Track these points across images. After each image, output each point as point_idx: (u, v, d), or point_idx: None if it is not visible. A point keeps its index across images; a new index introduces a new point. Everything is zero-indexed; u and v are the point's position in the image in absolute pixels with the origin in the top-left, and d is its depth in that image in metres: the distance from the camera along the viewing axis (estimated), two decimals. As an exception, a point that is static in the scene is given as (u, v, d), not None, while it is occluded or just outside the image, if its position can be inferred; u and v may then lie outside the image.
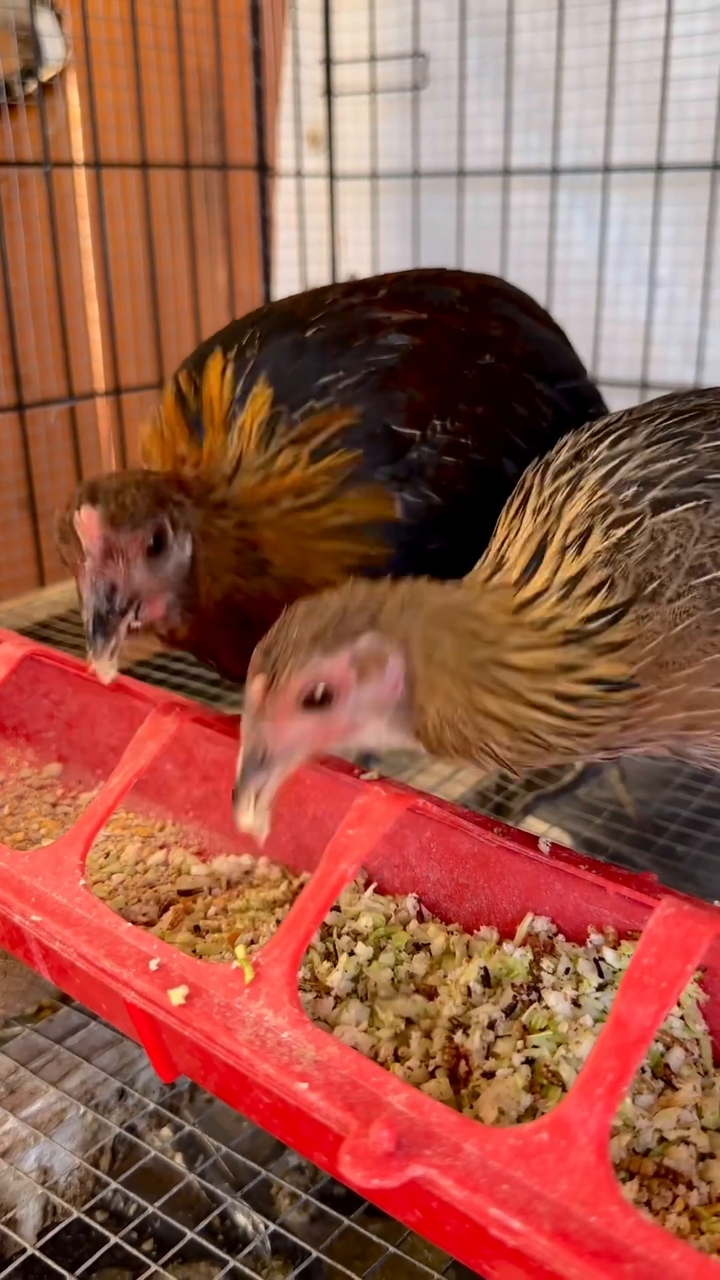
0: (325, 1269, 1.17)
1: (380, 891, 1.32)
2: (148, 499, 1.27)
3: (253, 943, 1.21)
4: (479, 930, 1.22)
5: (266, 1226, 1.20)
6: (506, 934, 1.20)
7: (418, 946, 1.21)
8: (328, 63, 3.20)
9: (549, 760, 1.13)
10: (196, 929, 1.26)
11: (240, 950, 1.04)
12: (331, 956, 1.19)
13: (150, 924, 1.29)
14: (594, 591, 1.05)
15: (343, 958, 1.18)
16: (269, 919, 1.27)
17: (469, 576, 1.16)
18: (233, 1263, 1.11)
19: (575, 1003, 1.08)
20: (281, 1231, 1.17)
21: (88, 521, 1.25)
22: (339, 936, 1.22)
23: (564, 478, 1.13)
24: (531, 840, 1.16)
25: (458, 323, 1.56)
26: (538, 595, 1.08)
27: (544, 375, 1.58)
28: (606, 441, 1.15)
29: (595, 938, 1.14)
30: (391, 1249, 1.09)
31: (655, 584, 1.03)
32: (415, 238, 3.17)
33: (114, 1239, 1.14)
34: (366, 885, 1.33)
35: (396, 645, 1.06)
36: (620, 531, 1.05)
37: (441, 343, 1.49)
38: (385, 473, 1.38)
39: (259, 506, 1.38)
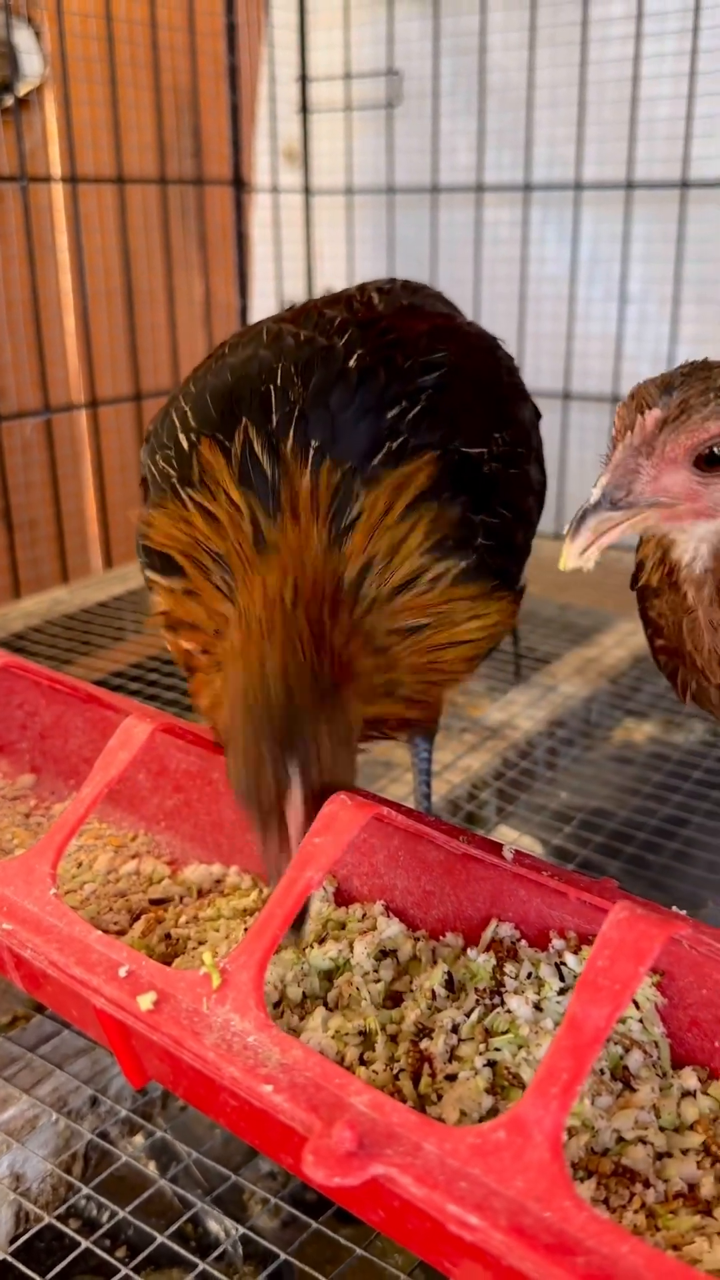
0: (296, 1273, 1.19)
1: (350, 900, 1.34)
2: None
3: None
4: (445, 936, 1.24)
5: (239, 1232, 1.21)
6: (472, 940, 1.22)
7: (384, 954, 1.23)
8: (303, 80, 3.24)
9: None
10: (168, 937, 1.28)
11: (207, 956, 1.05)
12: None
13: (121, 933, 1.31)
14: None
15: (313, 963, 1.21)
16: (239, 927, 1.28)
17: None
18: (202, 1265, 1.13)
19: (537, 1006, 1.10)
20: (253, 1237, 1.19)
21: None
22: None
23: None
24: (496, 848, 1.19)
25: (464, 327, 1.51)
26: None
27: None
28: None
29: (557, 943, 1.16)
30: (360, 1251, 1.11)
31: None
32: (390, 253, 3.20)
33: (84, 1243, 1.16)
34: (336, 893, 1.35)
35: None
36: None
37: (468, 351, 1.38)
38: (465, 502, 1.23)
39: (393, 634, 1.20)
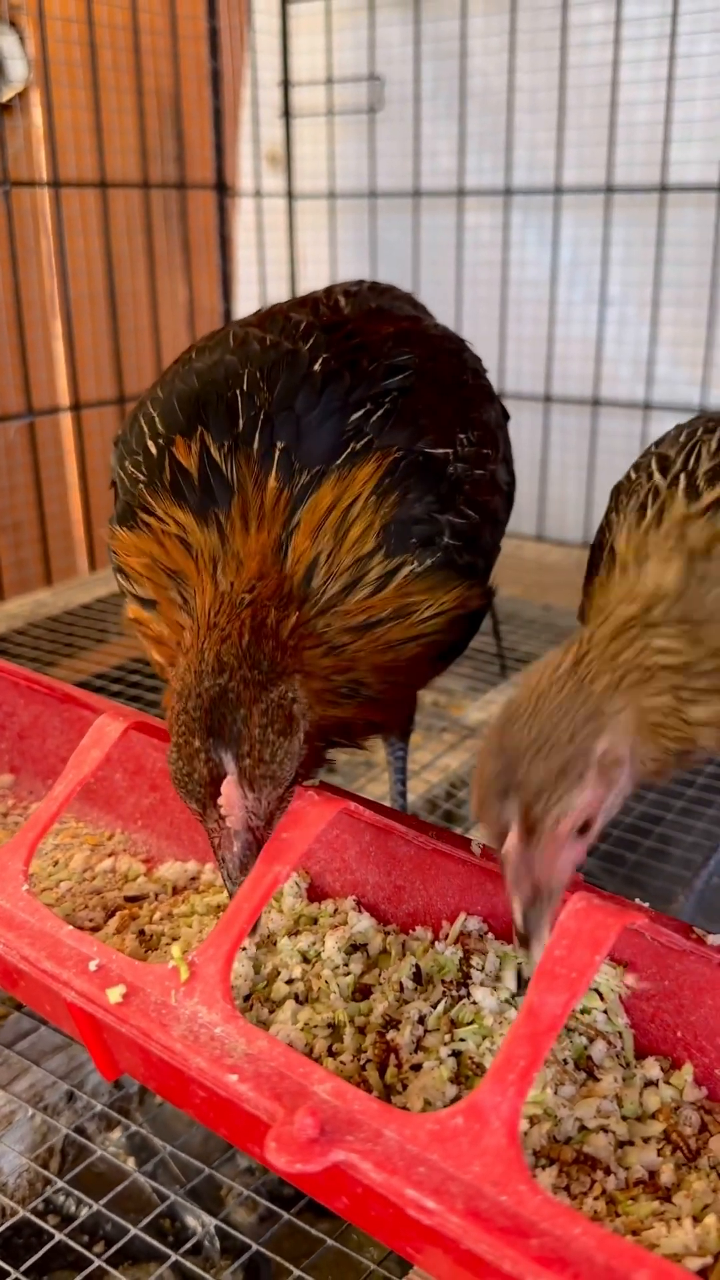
0: (273, 1267, 1.20)
1: (323, 895, 1.35)
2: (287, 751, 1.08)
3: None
4: (415, 930, 1.26)
5: (216, 1227, 1.22)
6: (442, 932, 1.24)
7: (355, 947, 1.24)
8: (286, 85, 3.26)
9: None
10: (142, 934, 1.30)
11: (176, 950, 1.07)
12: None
13: (96, 929, 1.32)
14: None
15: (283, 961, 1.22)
16: (212, 923, 1.30)
17: (615, 602, 1.12)
18: (176, 1258, 1.14)
19: (502, 998, 1.12)
20: (231, 1231, 1.20)
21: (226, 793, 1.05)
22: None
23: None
24: (464, 842, 1.20)
25: (429, 329, 1.51)
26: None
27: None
28: None
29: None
30: (331, 1242, 1.12)
31: None
32: (372, 256, 3.22)
33: (59, 1235, 1.17)
34: (310, 889, 1.36)
35: (623, 734, 1.03)
36: None
37: (434, 354, 1.39)
38: (429, 502, 1.24)
39: (347, 632, 1.20)
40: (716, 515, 1.11)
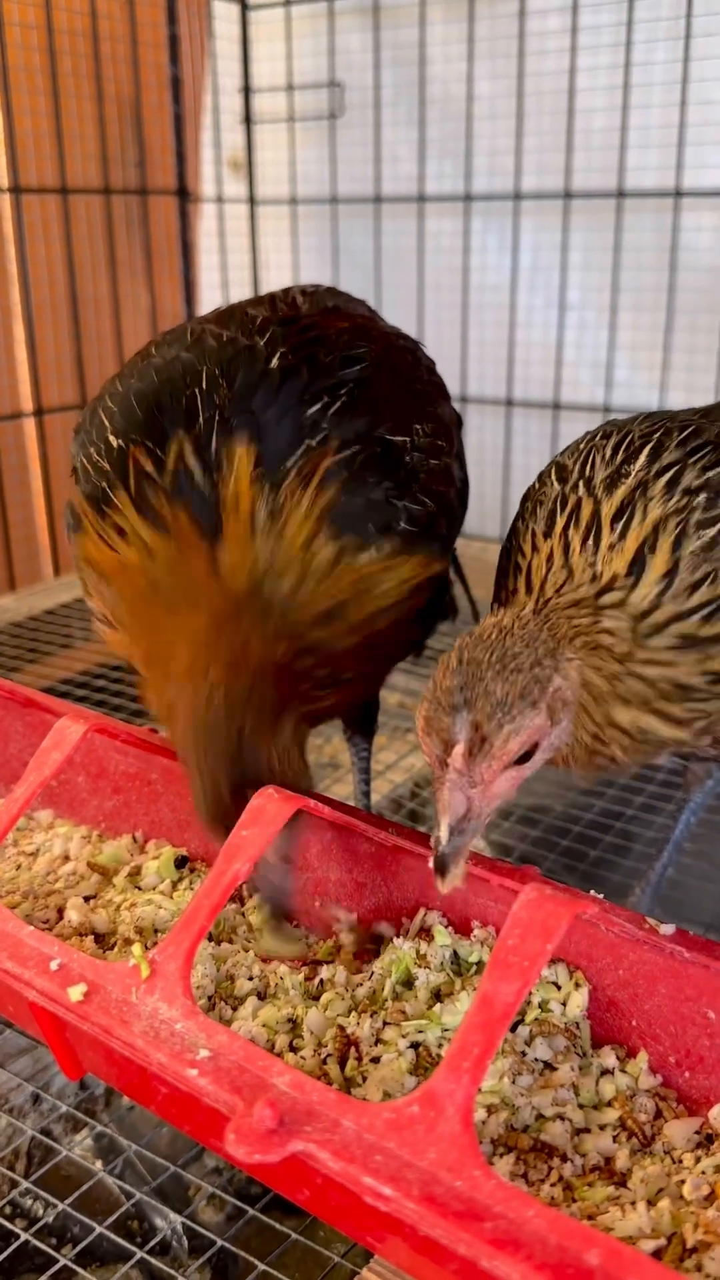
0: (240, 1265, 1.21)
1: (285, 893, 1.37)
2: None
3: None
4: (379, 925, 1.27)
5: (183, 1226, 1.23)
6: (402, 928, 1.26)
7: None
8: (247, 91, 3.27)
9: (660, 755, 1.18)
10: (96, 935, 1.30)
11: (137, 948, 1.08)
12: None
13: (50, 927, 1.32)
14: (695, 587, 1.11)
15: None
16: (171, 920, 1.30)
17: (541, 592, 1.17)
18: (142, 1255, 1.15)
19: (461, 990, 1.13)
20: (198, 1230, 1.21)
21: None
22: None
23: (623, 488, 1.18)
24: (424, 838, 1.22)
25: (385, 327, 1.54)
26: (654, 604, 1.12)
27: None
28: (645, 454, 1.21)
29: (479, 931, 1.20)
30: (296, 1236, 1.13)
31: None
32: (334, 262, 3.24)
33: (24, 1235, 1.17)
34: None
35: (573, 682, 1.07)
36: (711, 532, 1.13)
37: (389, 349, 1.42)
38: (387, 488, 1.27)
39: (315, 626, 1.22)
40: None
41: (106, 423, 1.27)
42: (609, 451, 1.23)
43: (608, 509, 1.17)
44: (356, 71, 3.09)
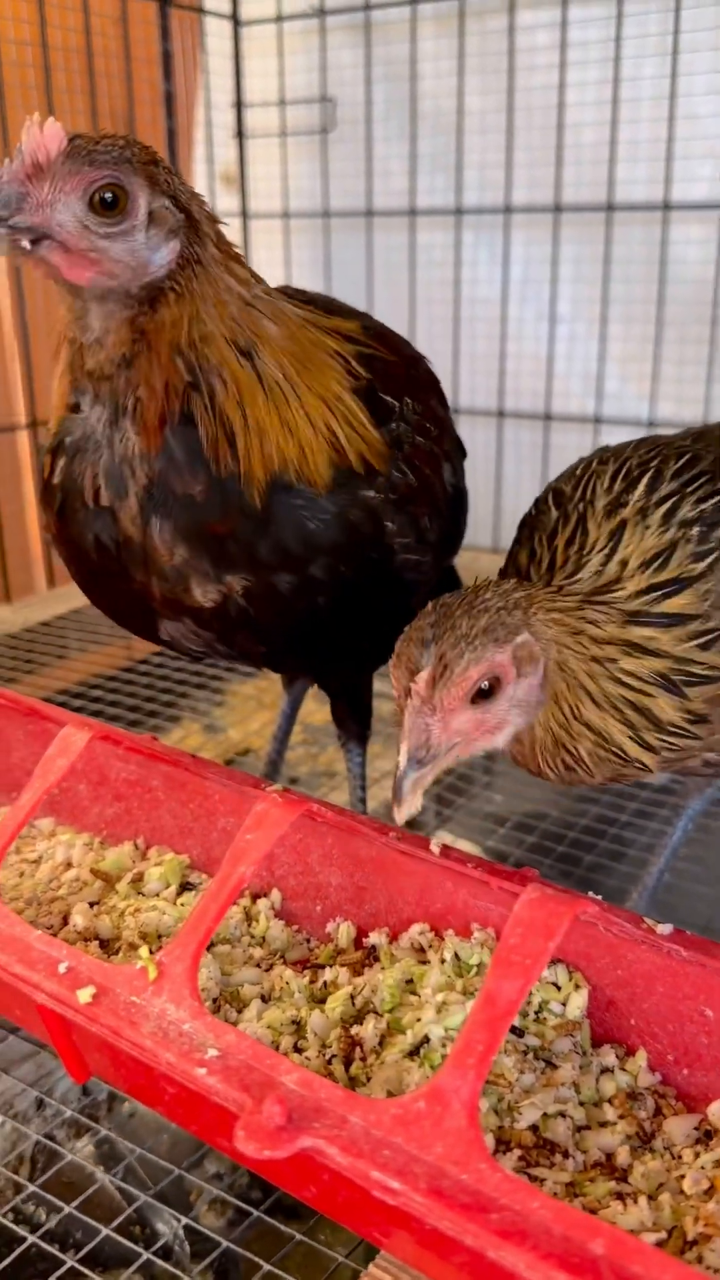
0: (244, 1268, 1.22)
1: (286, 897, 1.38)
2: None
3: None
4: (376, 929, 1.29)
5: (186, 1230, 1.24)
6: (403, 931, 1.27)
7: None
8: (239, 106, 3.30)
9: (625, 775, 1.23)
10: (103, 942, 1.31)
11: (144, 951, 1.09)
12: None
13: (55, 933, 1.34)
14: (686, 619, 1.16)
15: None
16: (175, 925, 1.32)
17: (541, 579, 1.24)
18: (148, 1255, 1.15)
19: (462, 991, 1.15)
20: (201, 1232, 1.22)
21: None
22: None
23: (619, 518, 1.23)
24: (424, 842, 1.24)
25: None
26: (641, 615, 1.17)
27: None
28: (643, 484, 1.25)
29: (479, 933, 1.22)
30: (300, 1237, 1.15)
31: None
32: (327, 275, 3.26)
33: (30, 1238, 1.18)
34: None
35: (544, 648, 1.13)
36: (700, 565, 1.18)
37: (388, 334, 1.53)
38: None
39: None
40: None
41: None
42: (608, 480, 1.27)
43: (605, 534, 1.22)
44: (348, 87, 3.12)
